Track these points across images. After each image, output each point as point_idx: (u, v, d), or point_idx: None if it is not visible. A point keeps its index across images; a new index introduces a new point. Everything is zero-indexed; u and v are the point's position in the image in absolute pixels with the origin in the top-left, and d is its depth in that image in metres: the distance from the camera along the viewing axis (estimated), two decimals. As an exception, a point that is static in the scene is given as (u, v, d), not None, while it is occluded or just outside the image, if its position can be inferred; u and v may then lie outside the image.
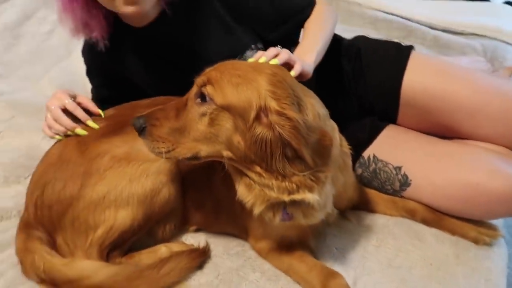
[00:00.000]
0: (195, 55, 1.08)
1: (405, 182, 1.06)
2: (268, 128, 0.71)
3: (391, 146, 1.12)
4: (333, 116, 0.88)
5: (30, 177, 1.02)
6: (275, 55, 0.84)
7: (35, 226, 0.92)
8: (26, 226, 0.94)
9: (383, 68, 1.18)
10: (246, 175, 0.78)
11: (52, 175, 0.91)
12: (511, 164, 0.99)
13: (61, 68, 1.63)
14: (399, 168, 1.07)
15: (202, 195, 0.99)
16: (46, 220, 0.91)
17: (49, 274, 0.86)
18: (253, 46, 1.13)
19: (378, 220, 1.08)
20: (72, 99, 1.00)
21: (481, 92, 1.07)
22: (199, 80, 0.77)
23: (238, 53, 1.09)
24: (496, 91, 1.08)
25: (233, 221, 0.99)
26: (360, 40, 1.27)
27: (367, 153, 1.13)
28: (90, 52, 1.16)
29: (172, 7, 1.06)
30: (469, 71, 1.18)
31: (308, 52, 1.00)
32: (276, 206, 0.79)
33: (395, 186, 1.08)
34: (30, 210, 0.93)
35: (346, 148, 0.92)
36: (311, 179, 0.74)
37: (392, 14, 1.71)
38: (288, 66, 0.85)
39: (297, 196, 0.74)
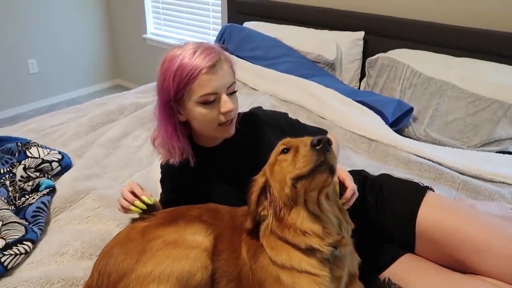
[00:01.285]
0: (247, 171, 1.20)
1: (413, 305, 1.14)
2: None
3: (404, 271, 1.22)
4: (357, 240, 1.06)
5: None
6: (348, 199, 1.15)
7: (94, 291, 1.12)
8: (88, 290, 1.14)
9: (401, 202, 1.33)
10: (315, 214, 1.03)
11: (117, 250, 1.11)
12: (513, 300, 1.05)
13: (142, 174, 1.88)
14: (409, 291, 1.16)
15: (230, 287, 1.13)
16: (104, 286, 1.09)
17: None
18: None
19: None
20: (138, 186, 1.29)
21: (485, 232, 1.17)
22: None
23: None
24: (500, 233, 1.17)
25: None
26: (384, 177, 1.45)
27: (383, 275, 1.23)
28: (168, 166, 1.37)
29: (236, 132, 1.33)
30: (478, 212, 1.28)
31: None
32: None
33: (404, 308, 1.16)
34: (94, 276, 1.12)
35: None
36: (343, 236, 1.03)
37: (424, 158, 1.84)
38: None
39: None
